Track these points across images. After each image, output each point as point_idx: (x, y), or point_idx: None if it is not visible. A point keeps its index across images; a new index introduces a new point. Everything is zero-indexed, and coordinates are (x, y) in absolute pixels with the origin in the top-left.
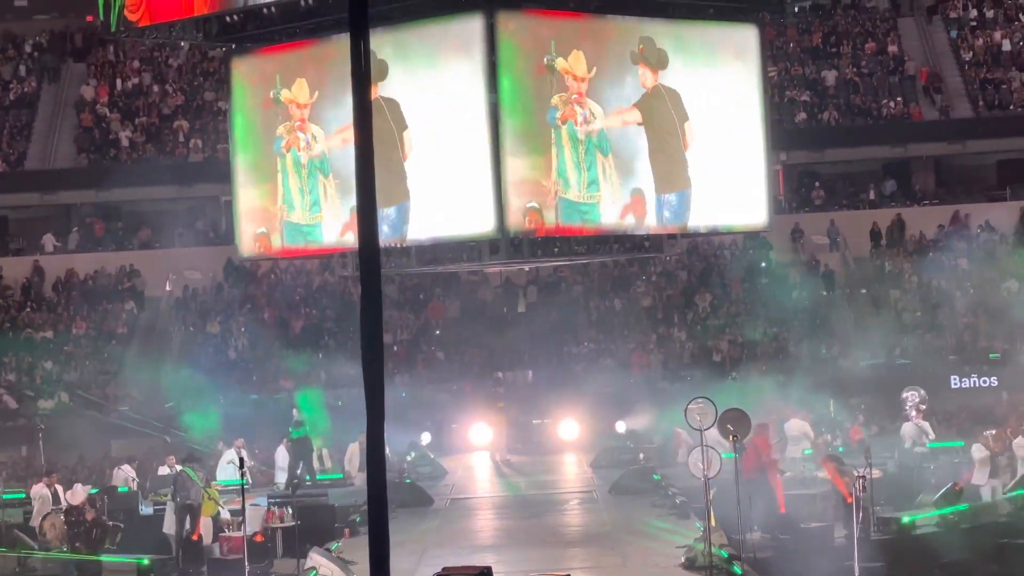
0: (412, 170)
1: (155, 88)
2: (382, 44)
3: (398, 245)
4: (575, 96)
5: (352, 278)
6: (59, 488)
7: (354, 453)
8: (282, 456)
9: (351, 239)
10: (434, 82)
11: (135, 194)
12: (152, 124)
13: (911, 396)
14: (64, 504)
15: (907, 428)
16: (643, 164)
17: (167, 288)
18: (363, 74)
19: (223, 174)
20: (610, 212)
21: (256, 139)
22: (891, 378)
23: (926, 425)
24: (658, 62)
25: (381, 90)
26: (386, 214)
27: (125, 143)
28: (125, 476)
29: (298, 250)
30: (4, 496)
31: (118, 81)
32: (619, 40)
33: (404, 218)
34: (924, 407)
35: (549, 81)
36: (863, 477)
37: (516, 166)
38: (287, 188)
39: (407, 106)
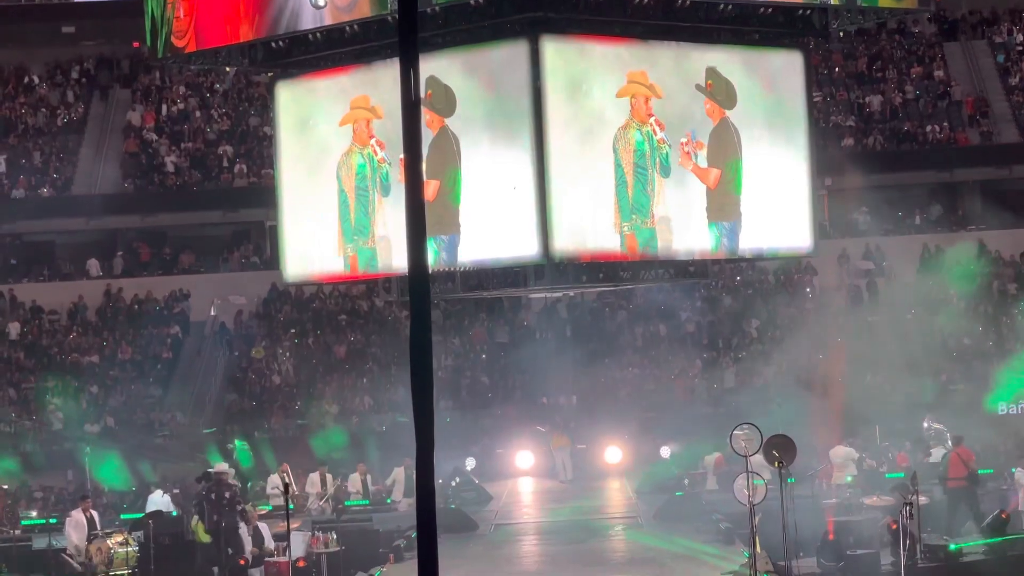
0: (464, 201)
1: (200, 113)
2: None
3: (446, 270)
4: (641, 120)
5: (397, 303)
6: (94, 514)
7: (398, 478)
8: (313, 482)
9: (398, 265)
10: (481, 107)
11: (180, 219)
12: (197, 149)
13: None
14: (99, 531)
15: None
16: (697, 191)
17: (211, 313)
18: (413, 101)
19: (268, 199)
20: (664, 237)
21: (300, 163)
22: (938, 404)
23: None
24: (727, 99)
25: (449, 123)
26: (439, 241)
27: (170, 168)
28: (158, 501)
29: (343, 275)
30: (40, 521)
31: (164, 106)
32: (680, 68)
33: (455, 247)
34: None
35: (605, 105)
36: (910, 504)
37: (564, 191)
38: (343, 212)
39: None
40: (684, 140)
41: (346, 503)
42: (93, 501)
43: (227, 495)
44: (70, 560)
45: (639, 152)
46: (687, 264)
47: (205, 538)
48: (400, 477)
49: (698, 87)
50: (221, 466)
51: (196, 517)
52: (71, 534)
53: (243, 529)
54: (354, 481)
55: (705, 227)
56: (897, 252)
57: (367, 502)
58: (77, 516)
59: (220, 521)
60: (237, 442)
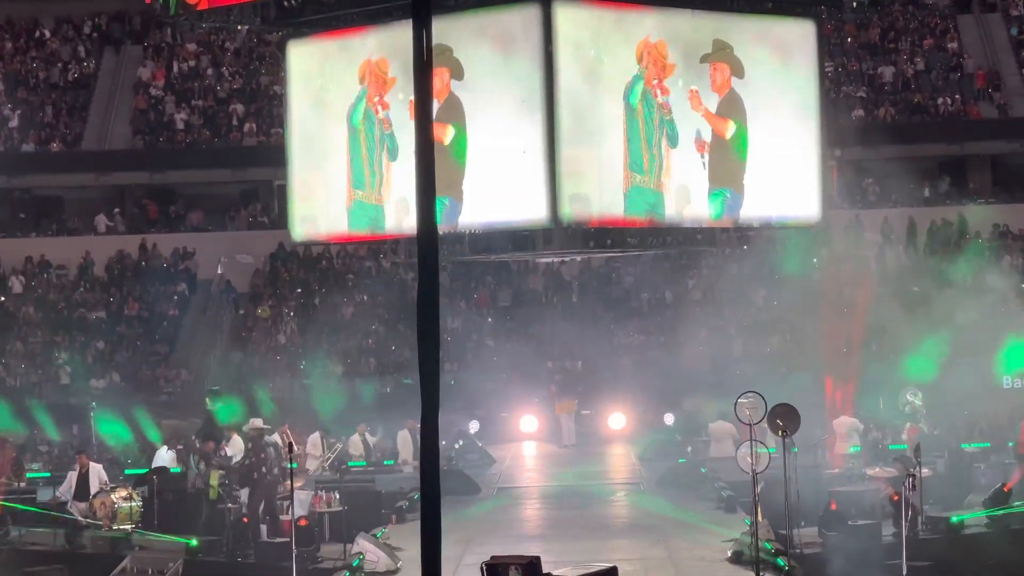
0: (470, 165)
1: (211, 71)
2: (458, 38)
3: (451, 231)
4: (655, 82)
5: (404, 264)
6: (95, 467)
7: (405, 440)
8: (314, 443)
9: (407, 226)
10: (491, 70)
11: (189, 177)
12: (208, 107)
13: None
14: (105, 484)
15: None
16: (700, 159)
17: (219, 271)
18: (425, 62)
19: (277, 158)
20: (671, 204)
21: (312, 122)
22: (943, 377)
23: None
24: (736, 67)
25: (455, 87)
26: (441, 202)
27: (180, 125)
28: (164, 457)
29: (352, 235)
30: (46, 475)
31: (175, 64)
32: (691, 34)
33: (456, 210)
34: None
35: (616, 71)
36: (913, 475)
37: (575, 155)
38: (357, 166)
39: (467, 99)
40: (694, 88)
41: (349, 464)
42: (98, 456)
43: (271, 450)
44: (74, 513)
45: (648, 120)
46: (695, 232)
47: (213, 494)
48: (407, 439)
49: (705, 56)
50: (256, 421)
51: (216, 471)
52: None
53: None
54: (355, 443)
55: (710, 194)
56: (906, 224)
57: (364, 463)
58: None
59: (264, 478)
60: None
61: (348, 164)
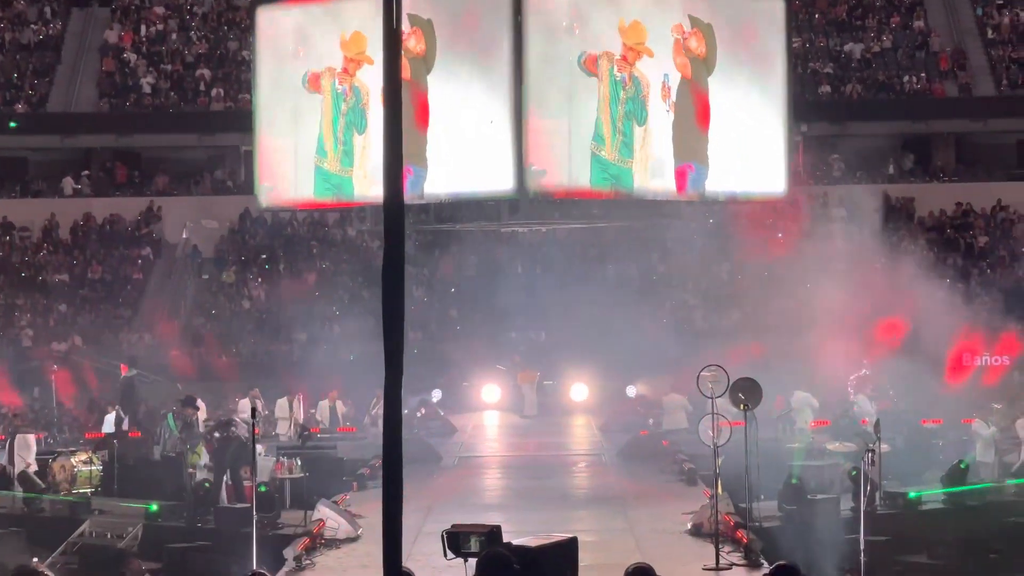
0: (433, 133)
1: (178, 35)
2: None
3: (418, 200)
4: (619, 58)
5: (369, 232)
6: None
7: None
8: (282, 407)
9: (373, 194)
10: (460, 41)
11: (155, 141)
12: (175, 71)
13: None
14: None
15: (858, 400)
16: (667, 135)
17: (184, 236)
18: (394, 31)
19: (244, 124)
20: (637, 177)
21: (280, 89)
22: (905, 352)
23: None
24: (702, 42)
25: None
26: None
27: (147, 89)
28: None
29: (318, 203)
30: None
31: (143, 27)
32: (661, 11)
33: (421, 178)
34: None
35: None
36: (872, 451)
37: (542, 126)
38: (320, 136)
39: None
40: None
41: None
42: (59, 420)
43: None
44: (33, 477)
45: (615, 95)
46: (660, 204)
47: (195, 460)
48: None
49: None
50: (254, 391)
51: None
52: (22, 454)
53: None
54: (322, 408)
55: (673, 168)
56: (869, 201)
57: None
58: (23, 437)
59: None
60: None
61: (315, 133)
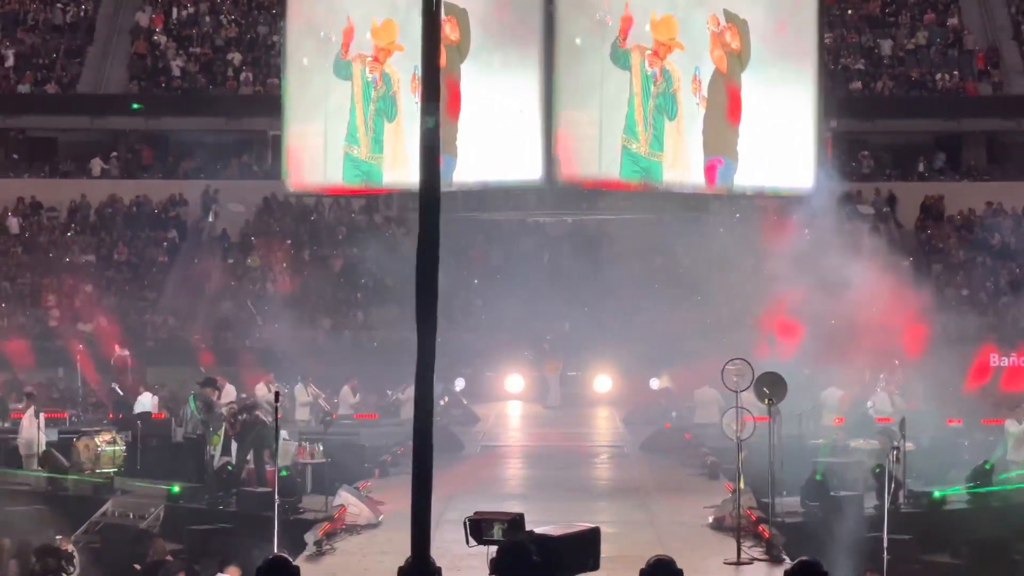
0: (463, 121)
1: (209, 19)
2: None
3: (446, 188)
4: (650, 52)
5: (396, 219)
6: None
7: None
8: (300, 392)
9: (401, 181)
10: (492, 29)
11: (184, 123)
12: (204, 55)
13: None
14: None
15: (876, 398)
16: (698, 128)
17: (210, 219)
18: (434, 13)
19: (273, 108)
20: (667, 170)
21: (310, 74)
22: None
23: (894, 397)
24: (736, 36)
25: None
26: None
27: (177, 72)
28: (146, 403)
29: (346, 188)
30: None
31: (174, 10)
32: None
33: (451, 166)
34: (896, 378)
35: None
36: (897, 448)
37: (571, 118)
38: (351, 123)
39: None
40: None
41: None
42: (84, 401)
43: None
44: (57, 455)
45: (647, 89)
46: (688, 197)
47: (216, 440)
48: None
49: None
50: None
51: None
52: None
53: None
54: (345, 395)
55: (703, 162)
56: (899, 199)
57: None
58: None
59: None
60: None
61: (345, 120)
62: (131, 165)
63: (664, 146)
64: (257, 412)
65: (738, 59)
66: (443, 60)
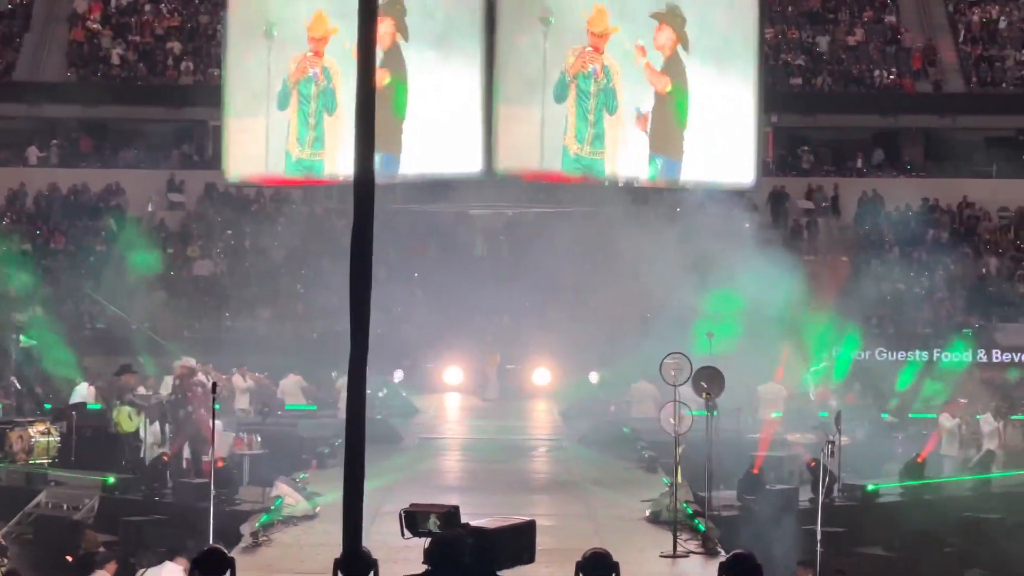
0: (409, 121)
1: (149, 7)
2: None
3: (387, 182)
4: (590, 50)
5: (336, 211)
6: None
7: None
8: (238, 383)
9: (343, 173)
10: (434, 22)
11: (123, 112)
12: (144, 43)
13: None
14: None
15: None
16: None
17: (149, 208)
18: (370, 7)
19: (213, 98)
20: (608, 165)
21: (249, 66)
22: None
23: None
24: (682, 36)
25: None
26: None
27: (116, 61)
28: (83, 393)
29: (287, 179)
30: None
31: None
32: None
33: (395, 163)
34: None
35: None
36: (832, 442)
37: (512, 113)
38: (293, 125)
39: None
40: (640, 43)
41: (288, 407)
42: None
43: (199, 390)
44: None
45: (586, 84)
46: (629, 191)
47: (130, 427)
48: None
49: (653, 15)
50: (188, 360)
51: (121, 406)
52: None
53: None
54: (283, 386)
55: (648, 158)
56: (837, 194)
57: (304, 407)
58: None
59: (190, 417)
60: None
61: (286, 114)
62: (69, 154)
63: (605, 143)
64: (180, 396)
65: (677, 55)
66: (381, 49)
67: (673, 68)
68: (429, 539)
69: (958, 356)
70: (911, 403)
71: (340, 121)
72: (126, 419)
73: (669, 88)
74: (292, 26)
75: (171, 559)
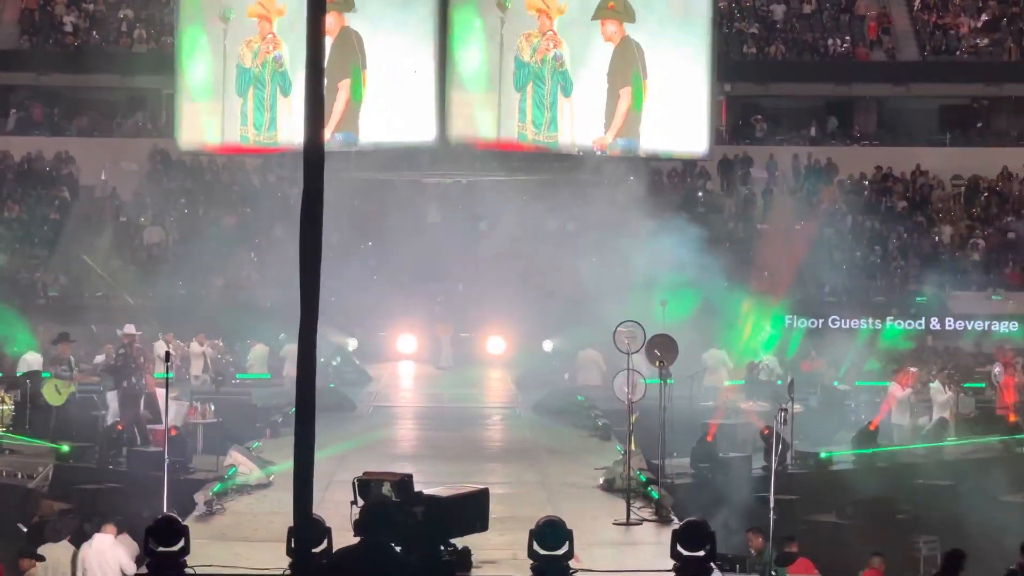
0: (366, 102)
1: None
2: None
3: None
4: (548, 35)
5: (289, 179)
6: None
7: (288, 354)
8: (196, 351)
9: (296, 142)
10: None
11: (75, 80)
12: (98, 11)
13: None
14: None
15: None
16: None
17: (102, 177)
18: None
19: (166, 66)
20: (563, 139)
21: (202, 36)
22: (815, 314)
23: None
24: (626, 13)
25: (347, 20)
26: (336, 138)
27: (69, 28)
28: (31, 361)
29: (240, 147)
30: None
31: None
32: None
33: (353, 140)
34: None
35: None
36: (785, 410)
37: (464, 80)
38: (244, 106)
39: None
40: None
41: (239, 376)
42: None
43: (141, 359)
44: None
45: (538, 63)
46: (582, 159)
47: (57, 400)
48: (290, 353)
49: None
50: (129, 328)
51: (52, 379)
52: None
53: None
54: (258, 355)
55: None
56: (791, 162)
57: (258, 375)
58: None
59: (134, 386)
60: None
61: (237, 86)
62: (22, 122)
63: (559, 125)
64: (123, 364)
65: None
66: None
67: (624, 57)
68: (360, 510)
69: (911, 324)
70: (863, 371)
71: (295, 100)
72: (52, 392)
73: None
74: (245, 8)
75: (98, 530)
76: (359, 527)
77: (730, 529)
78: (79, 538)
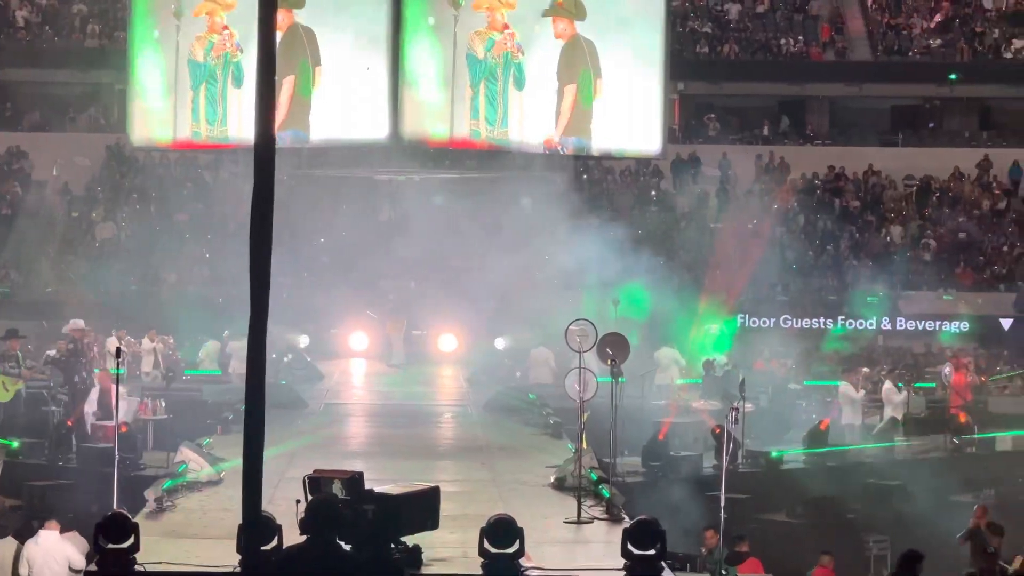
0: (318, 99)
1: None
2: None
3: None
4: (500, 29)
5: (242, 176)
6: None
7: (234, 351)
8: (148, 347)
9: (249, 138)
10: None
11: (27, 75)
12: (50, 6)
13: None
14: None
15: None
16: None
17: (54, 172)
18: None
19: (119, 62)
20: (514, 134)
21: (155, 31)
22: (767, 314)
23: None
24: (577, 10)
25: (297, 16)
26: (285, 136)
27: (21, 23)
28: None
29: (193, 143)
30: None
31: None
32: None
33: (304, 139)
34: None
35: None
36: (736, 409)
37: (417, 78)
38: (196, 101)
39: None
40: None
41: (186, 372)
42: None
43: (92, 354)
44: None
45: (490, 59)
46: (535, 157)
47: (4, 396)
48: (236, 349)
49: (546, 12)
50: (77, 322)
51: (0, 376)
52: None
53: (93, 391)
54: (207, 350)
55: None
56: (744, 162)
57: (208, 371)
58: None
59: (83, 380)
60: None
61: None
62: None
63: (509, 122)
64: (71, 359)
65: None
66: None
67: (573, 54)
68: (304, 508)
69: (862, 324)
70: (814, 371)
71: (246, 95)
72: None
73: (576, 91)
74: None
75: (42, 527)
76: (304, 525)
77: (681, 528)
78: (26, 534)
